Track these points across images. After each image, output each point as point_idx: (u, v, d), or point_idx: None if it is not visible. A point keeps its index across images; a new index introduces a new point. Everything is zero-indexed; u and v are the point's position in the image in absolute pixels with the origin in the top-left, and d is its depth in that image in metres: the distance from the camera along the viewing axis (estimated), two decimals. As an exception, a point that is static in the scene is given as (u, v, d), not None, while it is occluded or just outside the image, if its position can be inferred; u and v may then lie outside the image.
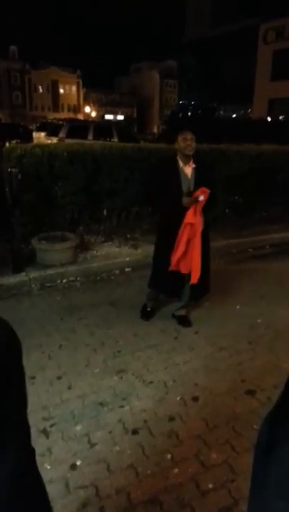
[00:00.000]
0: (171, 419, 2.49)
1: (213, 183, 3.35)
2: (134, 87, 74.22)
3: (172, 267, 3.34)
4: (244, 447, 2.28)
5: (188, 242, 3.29)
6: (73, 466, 2.11)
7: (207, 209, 3.32)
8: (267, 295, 4.35)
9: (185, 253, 3.31)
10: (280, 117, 22.14)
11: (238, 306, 4.07)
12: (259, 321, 3.77)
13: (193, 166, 3.32)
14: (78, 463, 2.14)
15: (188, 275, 3.41)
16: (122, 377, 2.87)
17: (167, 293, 3.73)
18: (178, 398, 2.68)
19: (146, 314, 3.75)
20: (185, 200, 3.21)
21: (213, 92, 28.67)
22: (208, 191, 3.19)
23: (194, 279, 3.38)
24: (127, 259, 5.02)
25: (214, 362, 3.10)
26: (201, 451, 2.27)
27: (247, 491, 0.76)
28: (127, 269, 4.90)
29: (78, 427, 2.39)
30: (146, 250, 5.24)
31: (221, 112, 27.53)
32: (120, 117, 56.62)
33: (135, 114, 69.84)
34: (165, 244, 3.38)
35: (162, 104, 70.27)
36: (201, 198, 3.17)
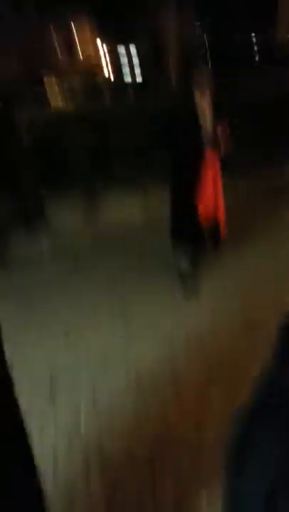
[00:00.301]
0: (176, 381, 2.45)
1: (230, 115, 3.23)
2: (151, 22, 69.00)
3: (202, 213, 3.20)
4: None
5: (213, 181, 3.18)
6: (78, 418, 2.20)
7: (223, 145, 3.16)
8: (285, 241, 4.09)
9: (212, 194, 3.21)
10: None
11: (250, 256, 3.80)
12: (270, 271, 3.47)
13: (209, 100, 3.14)
14: (82, 415, 2.21)
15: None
16: (128, 336, 2.88)
17: (199, 240, 3.42)
18: (183, 359, 2.62)
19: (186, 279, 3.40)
20: (207, 136, 3.08)
21: (229, 8, 25.53)
22: (226, 127, 3.08)
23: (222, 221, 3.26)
24: (140, 217, 4.88)
25: (222, 317, 3.00)
26: (202, 416, 2.18)
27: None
28: (139, 228, 4.78)
29: (84, 381, 2.46)
30: (160, 209, 5.06)
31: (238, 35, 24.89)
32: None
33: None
34: (185, 187, 3.21)
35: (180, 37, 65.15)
36: (221, 133, 3.07)
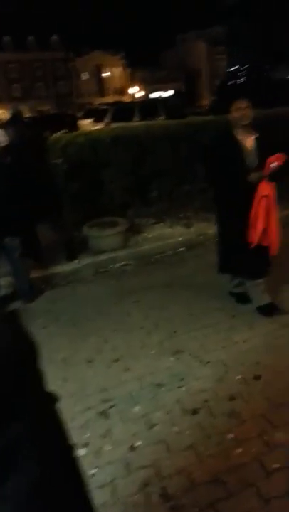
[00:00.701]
0: (232, 398, 2.42)
1: (278, 150, 3.01)
2: (181, 59, 72.04)
3: (254, 244, 3.07)
4: (311, 426, 2.17)
5: (267, 215, 3.03)
6: (133, 447, 2.14)
7: (278, 178, 3.02)
8: None
9: (265, 228, 3.06)
10: None
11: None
12: None
13: (254, 136, 3.03)
14: (138, 444, 2.16)
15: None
16: (178, 358, 2.84)
17: (247, 275, 3.28)
18: (238, 377, 2.60)
19: (243, 298, 3.42)
20: (254, 175, 2.94)
21: (266, 54, 26.89)
22: (282, 156, 2.89)
23: (274, 250, 3.14)
24: (180, 238, 4.94)
25: (276, 339, 2.96)
26: (265, 430, 2.18)
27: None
28: (180, 249, 4.83)
29: (137, 408, 2.41)
30: (199, 228, 5.13)
31: (277, 74, 25.84)
32: (169, 93, 55.61)
33: (184, 87, 68.05)
34: (235, 223, 3.07)
35: (212, 73, 67.63)
36: (275, 164, 2.88)
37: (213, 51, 67.54)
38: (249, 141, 3.02)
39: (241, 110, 2.94)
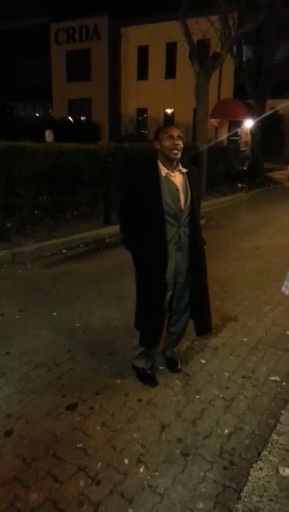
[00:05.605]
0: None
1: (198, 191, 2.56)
2: None
3: None
4: (68, 474, 2.03)
5: None
6: None
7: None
8: (83, 296, 4.20)
9: None
10: (82, 118, 22.80)
11: (54, 313, 3.79)
12: (78, 324, 3.58)
13: (184, 170, 2.47)
14: None
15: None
16: None
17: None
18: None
19: (151, 378, 2.82)
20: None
21: (8, 90, 26.73)
22: None
23: None
24: None
25: (30, 383, 2.74)
26: (18, 495, 1.92)
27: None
28: None
29: None
30: None
31: (22, 112, 26.54)
32: None
33: None
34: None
35: None
36: None
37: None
38: (178, 177, 2.45)
39: (174, 139, 2.35)
